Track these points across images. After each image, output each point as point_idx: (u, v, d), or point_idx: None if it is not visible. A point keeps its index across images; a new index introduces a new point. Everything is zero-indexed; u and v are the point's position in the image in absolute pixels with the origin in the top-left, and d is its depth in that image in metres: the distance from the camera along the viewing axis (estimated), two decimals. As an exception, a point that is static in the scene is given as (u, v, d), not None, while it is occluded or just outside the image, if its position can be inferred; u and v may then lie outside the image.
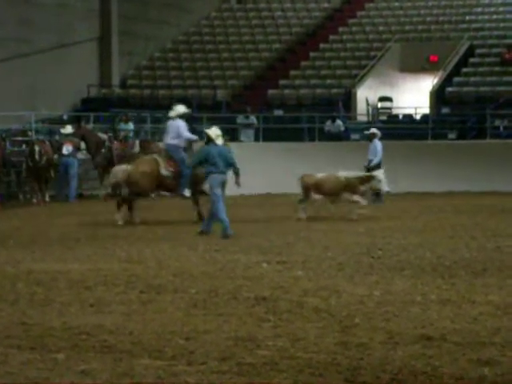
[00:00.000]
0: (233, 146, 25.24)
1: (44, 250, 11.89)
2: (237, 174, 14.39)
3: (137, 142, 23.65)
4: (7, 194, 22.25)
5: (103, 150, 22.98)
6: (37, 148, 21.09)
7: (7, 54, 28.17)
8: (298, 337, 6.60)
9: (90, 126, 24.73)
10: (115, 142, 23.34)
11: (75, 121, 25.10)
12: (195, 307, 7.81)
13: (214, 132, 14.16)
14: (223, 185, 13.96)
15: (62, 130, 22.48)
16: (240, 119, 26.38)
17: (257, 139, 25.80)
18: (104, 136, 23.43)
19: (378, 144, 20.80)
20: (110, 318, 7.31)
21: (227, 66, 33.01)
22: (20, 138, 22.93)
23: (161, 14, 34.10)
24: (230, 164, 14.12)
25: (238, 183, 14.48)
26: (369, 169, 20.25)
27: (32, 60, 28.83)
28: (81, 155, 23.40)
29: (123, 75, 32.82)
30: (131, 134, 24.81)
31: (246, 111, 26.48)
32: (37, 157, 20.94)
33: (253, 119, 26.14)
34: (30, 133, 23.21)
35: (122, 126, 24.89)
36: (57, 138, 23.73)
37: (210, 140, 14.13)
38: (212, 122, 26.94)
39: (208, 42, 34.90)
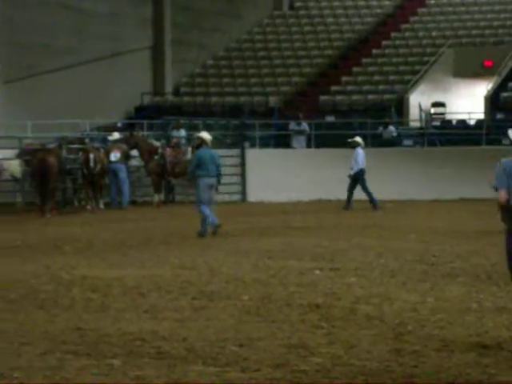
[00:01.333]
0: (285, 152, 25.39)
1: (99, 256, 12.01)
2: (219, 180, 15.05)
3: (189, 149, 23.78)
4: (63, 200, 22.53)
5: (156, 157, 23.14)
6: (91, 156, 21.32)
7: (62, 63, 28.57)
8: (351, 344, 6.57)
9: (144, 133, 24.92)
10: (168, 149, 23.51)
11: (129, 128, 25.34)
12: (248, 314, 7.82)
13: (206, 136, 14.94)
14: (212, 188, 14.67)
15: (110, 137, 22.69)
16: (292, 126, 26.38)
17: (309, 146, 25.77)
18: (157, 143, 23.60)
19: (359, 153, 20.80)
20: (164, 325, 7.36)
21: (279, 73, 33.05)
22: (75, 146, 23.21)
23: (213, 21, 34.29)
24: (219, 169, 14.81)
25: (217, 189, 15.11)
26: (353, 178, 20.50)
27: (86, 69, 29.19)
28: (135, 162, 23.60)
29: (176, 83, 33.06)
30: (183, 141, 24.97)
31: (298, 118, 26.49)
32: (91, 164, 21.16)
33: (305, 126, 26.12)
34: (86, 140, 23.49)
35: (174, 133, 25.06)
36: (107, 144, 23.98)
37: (201, 144, 14.89)
38: (264, 128, 27.04)
39: (260, 49, 34.99)
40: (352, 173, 20.62)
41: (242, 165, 24.39)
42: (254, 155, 24.54)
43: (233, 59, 34.54)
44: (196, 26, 33.63)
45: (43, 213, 19.56)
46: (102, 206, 21.92)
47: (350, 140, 21.39)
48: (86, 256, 12.06)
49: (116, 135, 22.50)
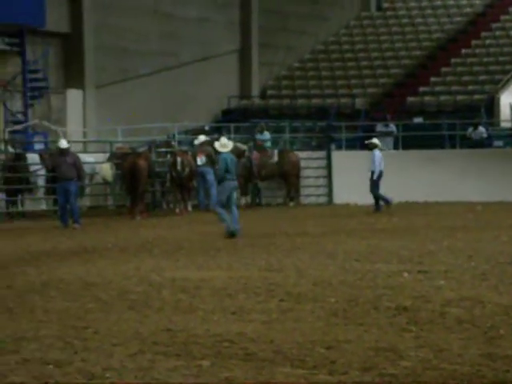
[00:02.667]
0: (371, 154, 25.14)
1: (187, 258, 12.15)
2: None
3: (275, 152, 23.84)
4: (152, 203, 22.86)
5: (243, 160, 23.26)
6: (179, 159, 21.57)
7: (152, 68, 29.02)
8: (441, 348, 6.49)
9: (231, 136, 25.09)
10: (254, 152, 23.61)
11: (216, 132, 25.56)
12: (335, 316, 7.80)
13: (221, 142, 15.39)
14: (234, 190, 15.44)
15: (196, 141, 22.90)
16: (379, 127, 26.19)
17: (396, 147, 25.54)
18: (243, 146, 23.73)
19: (376, 155, 20.63)
20: (252, 326, 7.40)
21: (366, 74, 32.86)
22: (164, 149, 23.52)
23: (300, 24, 34.31)
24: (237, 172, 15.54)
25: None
26: (373, 181, 20.43)
27: (176, 73, 29.59)
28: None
29: (263, 86, 33.20)
30: (269, 144, 25.05)
31: (386, 119, 26.27)
32: (179, 167, 21.41)
33: (392, 127, 25.90)
34: (173, 143, 23.77)
35: (259, 135, 25.17)
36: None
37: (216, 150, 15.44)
38: (350, 130, 26.92)
39: (347, 51, 34.86)
40: (375, 177, 20.55)
41: (328, 167, 24.32)
42: (340, 157, 24.45)
43: (319, 61, 34.48)
44: (283, 28, 33.72)
45: (133, 215, 19.87)
46: (190, 208, 22.16)
47: (367, 142, 21.34)
48: (175, 258, 12.20)
49: (202, 138, 22.70)
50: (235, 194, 15.43)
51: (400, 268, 10.72)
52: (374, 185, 20.63)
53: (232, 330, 7.20)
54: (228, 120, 28.80)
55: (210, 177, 22.23)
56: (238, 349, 6.57)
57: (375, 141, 21.03)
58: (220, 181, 15.31)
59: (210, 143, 23.03)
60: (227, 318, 7.80)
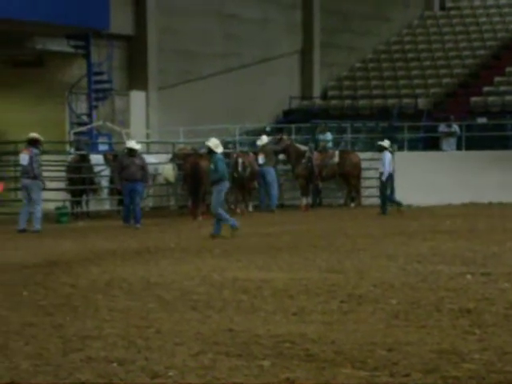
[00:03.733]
0: (434, 155, 24.92)
1: (248, 259, 12.19)
2: None
3: (336, 152, 23.79)
4: (213, 204, 22.94)
5: (303, 161, 23.26)
6: (240, 160, 21.66)
7: (215, 69, 29.20)
8: (505, 350, 6.41)
9: (292, 137, 25.11)
10: (315, 153, 23.58)
11: (277, 132, 25.59)
12: (397, 318, 7.76)
13: (214, 142, 15.46)
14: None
15: (258, 142, 22.95)
16: (442, 128, 25.93)
17: (459, 148, 25.27)
18: (304, 147, 23.73)
19: (386, 156, 20.49)
20: (312, 327, 7.40)
21: (429, 75, 32.57)
22: (226, 151, 23.62)
23: (362, 24, 34.19)
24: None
25: None
26: (382, 182, 20.37)
27: (238, 74, 29.73)
28: (282, 166, 23.83)
29: (324, 86, 33.14)
30: (330, 144, 24.99)
31: (449, 119, 26.00)
32: (240, 168, 21.50)
33: (455, 127, 25.63)
34: (230, 145, 23.89)
35: (320, 136, 25.14)
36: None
37: (210, 150, 15.56)
38: (413, 131, 26.70)
39: (409, 51, 34.60)
40: (383, 178, 20.49)
41: (391, 168, 24.13)
42: (402, 158, 24.27)
43: (381, 61, 34.30)
44: (345, 29, 33.63)
45: (195, 216, 20.01)
46: (251, 209, 22.23)
47: (379, 143, 21.24)
48: (236, 258, 12.26)
49: (264, 139, 22.76)
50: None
51: (463, 270, 10.61)
52: (383, 187, 20.66)
53: (293, 331, 7.21)
54: (289, 121, 28.82)
55: (270, 177, 22.28)
56: (299, 349, 6.58)
57: (385, 142, 21.01)
58: (219, 181, 15.42)
59: (272, 144, 23.12)
60: (288, 319, 7.82)
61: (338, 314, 8.02)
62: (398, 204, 20.80)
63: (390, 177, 20.72)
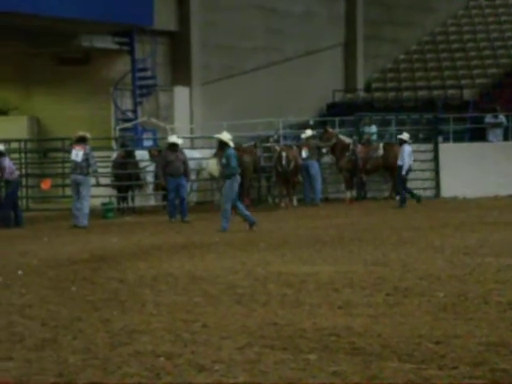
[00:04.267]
0: (480, 146, 24.66)
1: (293, 252, 12.20)
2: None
3: (380, 145, 23.65)
4: (258, 198, 23.01)
5: (347, 154, 23.17)
6: (284, 154, 21.64)
7: (257, 63, 29.20)
8: (555, 344, 6.34)
9: (336, 130, 25.03)
10: (359, 146, 23.48)
11: (321, 126, 25.53)
12: (444, 311, 7.71)
13: (226, 136, 15.47)
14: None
15: (303, 135, 22.91)
16: (488, 118, 25.65)
17: (506, 139, 24.97)
18: (349, 139, 23.64)
19: (406, 149, 20.48)
20: (358, 321, 7.38)
21: (474, 65, 32.22)
22: (269, 144, 23.66)
23: (406, 15, 33.91)
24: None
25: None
26: (401, 176, 20.38)
27: (280, 68, 29.69)
28: (326, 158, 23.77)
29: (368, 79, 32.96)
30: (374, 137, 24.85)
31: (495, 110, 25.71)
32: (284, 162, 21.48)
33: (502, 118, 25.34)
34: (271, 139, 23.89)
35: (366, 129, 25.01)
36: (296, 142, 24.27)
37: (223, 144, 15.59)
38: (458, 122, 26.45)
39: (454, 42, 34.25)
40: (403, 172, 20.48)
41: (436, 160, 23.97)
42: (447, 150, 24.07)
43: (425, 53, 34.00)
44: (388, 20, 33.39)
45: (239, 210, 20.02)
46: (295, 202, 22.22)
47: (399, 136, 21.21)
48: (281, 252, 12.27)
49: (308, 132, 22.72)
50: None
51: (511, 262, 10.50)
52: (402, 180, 20.66)
53: (339, 324, 7.20)
54: (333, 114, 28.71)
55: (314, 171, 22.22)
56: (344, 343, 6.57)
57: (404, 136, 20.96)
58: (231, 176, 15.47)
59: (316, 137, 23.08)
60: (334, 312, 7.81)
61: (384, 307, 7.99)
62: (414, 196, 20.86)
63: (409, 170, 20.77)
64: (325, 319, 7.47)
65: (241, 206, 15.89)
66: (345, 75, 32.63)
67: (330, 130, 23.83)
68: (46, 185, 19.53)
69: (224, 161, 15.63)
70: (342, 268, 10.47)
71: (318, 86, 30.46)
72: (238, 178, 15.78)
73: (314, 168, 22.27)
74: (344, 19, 32.55)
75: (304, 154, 22.21)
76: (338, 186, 24.14)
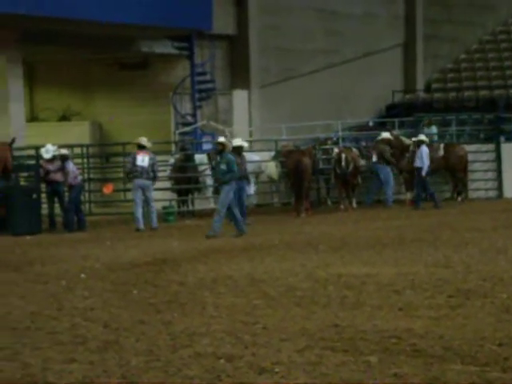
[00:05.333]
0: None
1: (353, 254, 12.15)
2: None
3: (441, 146, 23.40)
4: (317, 200, 22.96)
5: (407, 155, 22.97)
6: (343, 155, 21.55)
7: (316, 66, 29.17)
8: None
9: (395, 131, 24.85)
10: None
11: (380, 127, 25.37)
12: (507, 312, 7.60)
13: (225, 141, 15.67)
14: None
15: (379, 137, 22.72)
16: (551, 118, 25.23)
17: None
18: (408, 141, 23.43)
19: (423, 150, 20.47)
20: (419, 323, 7.32)
21: (536, 64, 31.76)
22: (328, 146, 23.59)
23: (466, 14, 33.53)
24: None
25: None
26: (421, 178, 20.34)
27: (339, 70, 29.61)
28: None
29: (428, 79, 32.68)
30: (435, 138, 24.60)
31: (558, 109, 25.27)
32: (343, 164, 21.40)
33: None
34: (329, 142, 23.80)
35: (426, 130, 24.76)
36: (363, 144, 24.10)
37: (223, 149, 15.57)
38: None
39: (516, 40, 33.80)
40: (424, 173, 20.44)
41: (498, 160, 23.64)
42: (510, 150, 23.71)
43: (487, 52, 33.57)
44: (448, 19, 33.06)
45: (298, 213, 20.03)
46: (355, 204, 22.11)
47: (414, 139, 21.08)
48: (341, 254, 12.23)
49: (384, 135, 22.47)
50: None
51: None
52: (422, 181, 20.62)
53: (399, 326, 7.15)
54: (392, 115, 28.52)
55: (383, 174, 21.93)
56: (406, 345, 6.52)
57: (422, 137, 20.88)
58: (229, 182, 15.37)
59: (391, 141, 22.79)
60: (394, 314, 7.76)
61: (446, 308, 7.91)
62: (434, 200, 20.87)
63: (428, 171, 20.81)
64: (385, 321, 7.43)
65: (236, 211, 15.67)
66: (404, 76, 32.39)
67: (394, 132, 23.62)
68: (107, 189, 19.78)
69: (223, 166, 15.41)
70: (402, 269, 10.40)
71: (377, 87, 30.29)
72: (234, 184, 15.62)
73: (384, 172, 22.02)
74: (403, 19, 32.33)
75: (374, 158, 22.04)
76: (398, 188, 23.95)
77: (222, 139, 15.83)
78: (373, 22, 30.92)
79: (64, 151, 18.58)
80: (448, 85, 32.20)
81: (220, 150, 15.78)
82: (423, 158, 20.49)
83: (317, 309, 8.14)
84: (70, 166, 18.26)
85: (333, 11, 29.79)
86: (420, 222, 17.19)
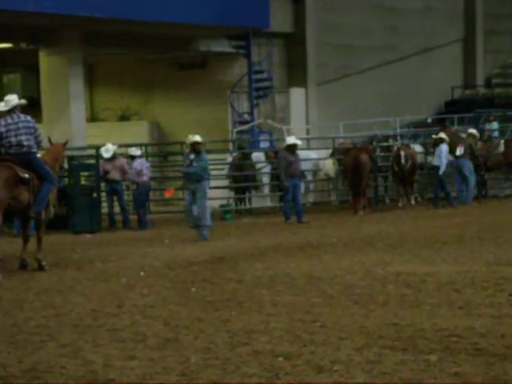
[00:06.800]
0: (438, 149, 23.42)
1: (411, 252, 12.06)
2: None
3: (501, 142, 23.07)
4: (375, 198, 22.83)
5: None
6: (402, 153, 21.39)
7: (375, 62, 29.01)
8: None
9: (454, 127, 24.57)
10: (479, 143, 22.95)
11: (439, 124, 25.12)
12: None
13: (200, 140, 15.13)
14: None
15: (468, 131, 22.48)
16: None
17: None
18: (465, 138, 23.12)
19: (444, 149, 20.16)
20: (480, 321, 7.24)
21: None
22: (385, 144, 23.44)
23: (527, 8, 33.04)
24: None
25: None
26: (439, 178, 20.18)
27: (398, 66, 29.40)
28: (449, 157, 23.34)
29: (488, 75, 32.25)
30: (496, 134, 24.25)
31: None
32: (402, 161, 21.24)
33: None
34: (390, 140, 23.63)
35: (486, 126, 24.42)
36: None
37: (199, 148, 15.16)
38: None
39: None
40: (441, 172, 20.21)
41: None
42: None
43: (549, 45, 33.03)
44: (509, 13, 32.58)
45: (356, 210, 19.95)
46: (413, 202, 21.94)
47: (434, 136, 20.72)
48: (399, 252, 12.15)
49: (472, 131, 22.20)
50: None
51: None
52: (440, 180, 20.44)
53: (460, 325, 7.08)
54: (451, 111, 28.20)
55: (467, 169, 21.55)
56: (466, 343, 6.46)
57: (442, 135, 20.57)
58: (204, 180, 15.10)
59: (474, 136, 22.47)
60: (454, 313, 7.69)
61: (507, 307, 7.81)
62: (449, 199, 20.66)
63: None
64: (445, 320, 7.36)
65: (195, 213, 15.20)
66: (464, 71, 32.03)
67: (448, 127, 23.36)
68: (168, 193, 20.00)
69: (198, 166, 14.98)
70: (462, 268, 10.29)
71: (435, 83, 30.00)
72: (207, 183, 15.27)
73: (467, 167, 21.67)
74: (463, 14, 31.96)
75: (459, 151, 21.71)
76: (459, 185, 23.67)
77: (198, 138, 15.29)
78: (432, 17, 30.63)
79: (134, 150, 18.88)
80: (509, 80, 31.71)
81: (196, 149, 15.20)
82: (441, 157, 20.30)
83: (375, 307, 8.10)
84: (136, 163, 18.48)
85: (391, 7, 29.58)
86: (480, 220, 16.98)
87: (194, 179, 15.05)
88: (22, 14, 20.47)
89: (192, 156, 15.19)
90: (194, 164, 15.09)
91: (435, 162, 20.54)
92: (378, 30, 29.25)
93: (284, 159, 18.38)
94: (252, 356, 6.37)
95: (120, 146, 19.56)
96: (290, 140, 18.59)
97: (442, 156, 20.35)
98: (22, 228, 12.34)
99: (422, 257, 11.54)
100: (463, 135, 22.95)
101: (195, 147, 15.23)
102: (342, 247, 13.16)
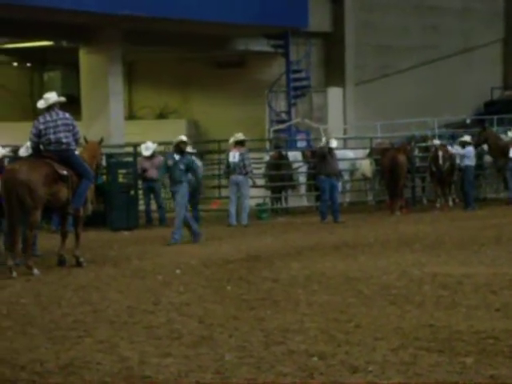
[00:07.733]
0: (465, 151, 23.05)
1: (448, 254, 11.99)
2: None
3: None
4: (412, 198, 22.72)
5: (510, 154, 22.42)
6: (440, 153, 21.27)
7: (414, 62, 28.87)
8: None
9: (494, 128, 24.35)
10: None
11: (478, 124, 24.91)
12: None
13: (186, 140, 15.01)
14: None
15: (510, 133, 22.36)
16: None
17: None
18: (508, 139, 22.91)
19: (470, 151, 20.46)
20: (518, 324, 7.18)
21: None
22: (424, 144, 23.31)
23: None
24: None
25: None
26: (469, 179, 20.24)
27: (437, 66, 29.23)
28: (487, 158, 23.13)
29: (528, 75, 31.93)
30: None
31: None
32: (440, 162, 21.12)
33: None
34: (430, 141, 23.49)
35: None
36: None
37: (184, 149, 14.96)
38: None
39: None
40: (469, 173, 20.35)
41: None
42: None
43: None
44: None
45: (393, 211, 19.87)
46: (451, 203, 21.80)
47: (460, 139, 20.85)
48: (436, 253, 12.08)
49: None
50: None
51: None
52: (469, 182, 20.54)
53: (497, 327, 7.03)
54: (491, 112, 27.96)
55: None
56: (503, 346, 6.41)
57: (467, 137, 20.76)
58: (187, 182, 14.62)
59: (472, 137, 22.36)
60: (491, 315, 7.63)
61: (546, 310, 7.74)
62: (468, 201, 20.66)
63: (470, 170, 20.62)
64: (482, 322, 7.31)
65: (188, 215, 14.74)
66: (503, 72, 31.74)
67: (487, 128, 23.15)
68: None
69: (182, 166, 14.44)
70: (500, 269, 10.21)
71: (475, 83, 29.76)
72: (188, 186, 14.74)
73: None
74: (503, 14, 31.67)
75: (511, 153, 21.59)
76: (498, 186, 23.48)
77: (183, 138, 14.99)
78: (471, 17, 30.40)
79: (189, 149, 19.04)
80: (550, 81, 31.39)
81: (181, 149, 14.77)
82: (470, 158, 20.41)
83: (411, 308, 8.06)
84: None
85: (430, 6, 29.40)
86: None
87: (178, 181, 14.50)
88: (62, 12, 20.66)
89: (177, 157, 14.69)
90: (180, 166, 14.54)
91: (466, 163, 20.46)
92: (417, 29, 29.10)
93: (322, 159, 18.36)
94: (286, 355, 6.38)
95: (159, 144, 19.65)
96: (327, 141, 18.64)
97: (472, 157, 20.43)
98: (60, 224, 12.45)
99: (458, 258, 11.47)
100: (503, 136, 22.75)
101: (180, 147, 14.79)
102: (378, 247, 13.12)
